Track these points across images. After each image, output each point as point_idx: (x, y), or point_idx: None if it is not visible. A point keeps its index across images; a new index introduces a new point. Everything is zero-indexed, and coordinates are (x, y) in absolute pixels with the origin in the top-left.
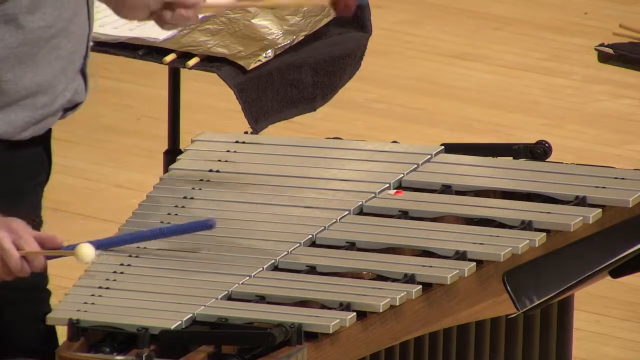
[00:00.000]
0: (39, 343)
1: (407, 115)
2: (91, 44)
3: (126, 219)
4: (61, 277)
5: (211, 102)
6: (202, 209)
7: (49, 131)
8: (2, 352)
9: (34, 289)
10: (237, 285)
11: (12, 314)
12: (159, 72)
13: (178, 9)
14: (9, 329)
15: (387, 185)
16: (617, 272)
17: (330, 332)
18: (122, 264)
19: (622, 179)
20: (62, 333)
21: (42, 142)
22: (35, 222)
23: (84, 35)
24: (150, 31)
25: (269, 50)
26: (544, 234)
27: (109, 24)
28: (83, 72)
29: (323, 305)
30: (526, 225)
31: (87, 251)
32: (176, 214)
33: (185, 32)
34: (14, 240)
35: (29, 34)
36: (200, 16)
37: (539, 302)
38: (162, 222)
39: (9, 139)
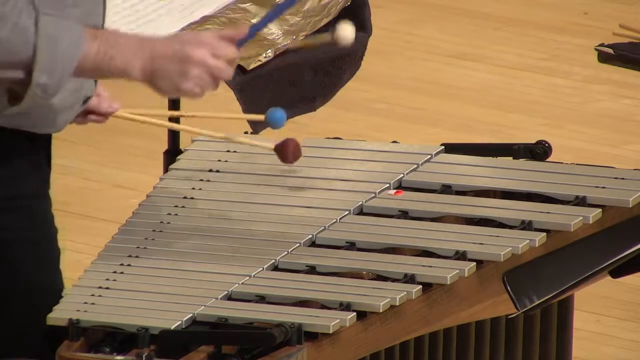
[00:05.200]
0: (52, 345)
1: (407, 115)
2: None
3: (126, 219)
4: None
5: (211, 103)
6: (202, 209)
7: (51, 141)
8: (15, 351)
9: (54, 294)
10: (237, 285)
11: (30, 319)
12: None
13: (89, 115)
14: (23, 332)
15: (387, 185)
16: (617, 272)
17: (330, 332)
18: (122, 264)
19: (622, 179)
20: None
21: (47, 150)
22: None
23: (100, 24)
24: (150, 31)
25: (269, 50)
26: (544, 234)
27: (109, 23)
28: None
29: (323, 305)
30: (526, 225)
31: (349, 31)
32: (176, 214)
33: (185, 32)
34: (213, 53)
35: (62, 11)
36: (200, 16)
37: (539, 302)
38: (162, 222)
39: (42, 128)
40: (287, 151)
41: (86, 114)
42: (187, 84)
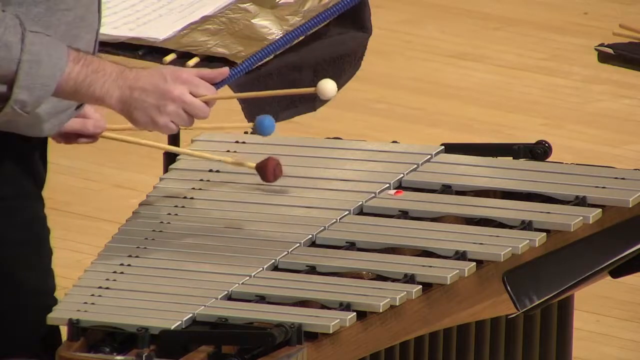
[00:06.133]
0: (42, 346)
1: (407, 115)
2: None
3: (126, 219)
4: (61, 277)
5: None
6: (202, 209)
7: (47, 142)
8: (3, 352)
9: (41, 294)
10: (237, 285)
11: (17, 319)
12: None
13: (80, 137)
14: (11, 333)
15: (387, 185)
16: (617, 272)
17: (330, 332)
18: (122, 264)
19: (622, 179)
20: (61, 333)
21: (41, 151)
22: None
23: (95, 29)
24: (150, 31)
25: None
26: (544, 234)
27: (108, 24)
28: None
29: (323, 305)
30: (526, 225)
31: (330, 86)
32: (176, 214)
33: (185, 32)
34: (191, 91)
35: (52, 15)
36: (200, 16)
37: (539, 302)
38: (162, 222)
39: (30, 133)
40: (266, 171)
41: (76, 137)
42: (163, 118)
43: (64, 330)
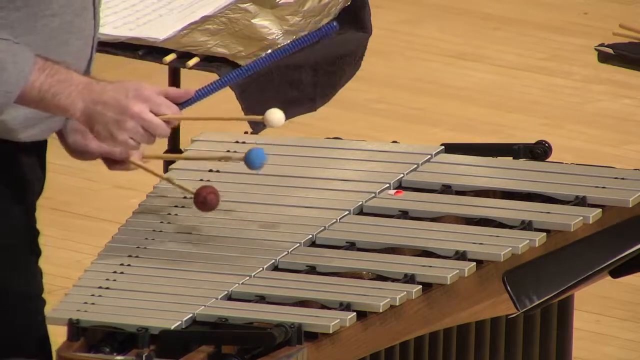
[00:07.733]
0: (30, 348)
1: (407, 115)
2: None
3: (126, 219)
4: (61, 277)
5: (211, 102)
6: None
7: (45, 145)
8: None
9: (28, 297)
10: (237, 285)
11: (4, 322)
12: (159, 72)
13: (114, 164)
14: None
15: (387, 185)
16: (617, 272)
17: (330, 332)
18: (122, 264)
19: (622, 179)
20: (61, 333)
21: (38, 154)
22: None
23: (89, 35)
24: (150, 31)
25: (269, 50)
26: (544, 234)
27: (108, 24)
28: None
29: (323, 305)
30: (526, 225)
31: (278, 116)
32: (176, 214)
33: (185, 32)
34: (152, 109)
35: (36, 21)
36: (200, 16)
37: (539, 302)
38: (162, 222)
39: (11, 138)
40: (196, 201)
41: (112, 162)
42: (122, 134)
43: (53, 332)
